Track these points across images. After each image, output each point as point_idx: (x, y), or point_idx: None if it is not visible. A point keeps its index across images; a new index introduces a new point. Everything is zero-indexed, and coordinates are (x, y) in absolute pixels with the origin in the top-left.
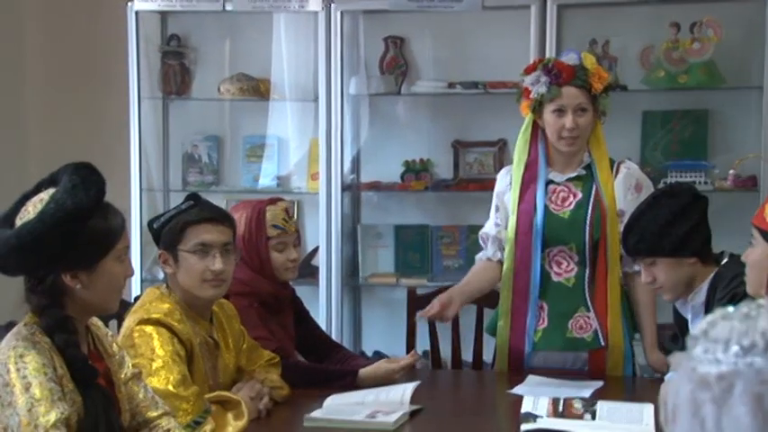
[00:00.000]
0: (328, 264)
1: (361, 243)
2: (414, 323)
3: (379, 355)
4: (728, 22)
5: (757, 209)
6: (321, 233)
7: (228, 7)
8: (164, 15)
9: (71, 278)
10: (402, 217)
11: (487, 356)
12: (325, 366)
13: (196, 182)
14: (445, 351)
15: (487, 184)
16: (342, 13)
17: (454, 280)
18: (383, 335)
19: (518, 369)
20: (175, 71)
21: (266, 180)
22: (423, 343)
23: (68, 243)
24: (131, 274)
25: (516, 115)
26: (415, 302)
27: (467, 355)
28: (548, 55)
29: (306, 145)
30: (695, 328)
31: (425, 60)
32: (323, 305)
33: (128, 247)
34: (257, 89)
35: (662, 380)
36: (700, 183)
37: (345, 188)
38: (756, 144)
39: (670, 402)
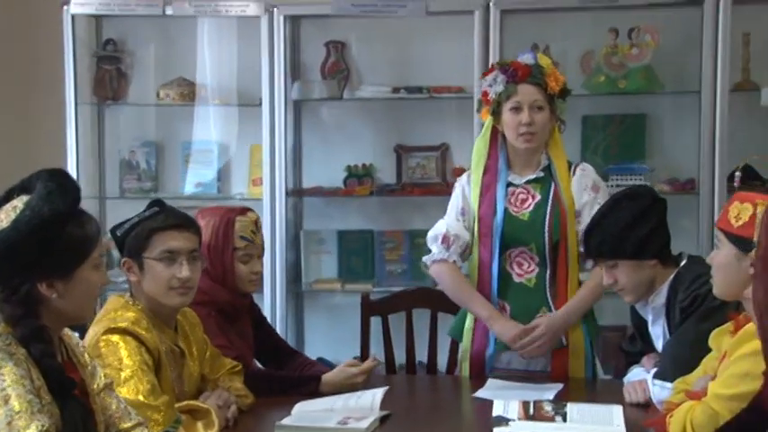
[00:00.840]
0: (272, 270)
1: (303, 249)
2: (368, 328)
3: (323, 362)
4: (665, 29)
5: (721, 212)
6: (265, 239)
7: (169, 11)
8: (98, 19)
9: (47, 287)
10: (344, 222)
11: (441, 360)
12: (287, 373)
13: (133, 188)
14: (398, 356)
15: (430, 189)
16: (284, 17)
17: (399, 285)
18: (326, 341)
19: (481, 370)
20: (111, 76)
21: (206, 186)
22: (375, 348)
23: (44, 251)
24: (106, 282)
25: (459, 120)
26: (369, 308)
27: (421, 358)
28: (491, 60)
29: (246, 150)
30: (655, 329)
31: (367, 65)
32: (267, 312)
33: (103, 255)
34: (197, 94)
35: (621, 382)
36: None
37: (289, 194)
38: (693, 148)
39: None
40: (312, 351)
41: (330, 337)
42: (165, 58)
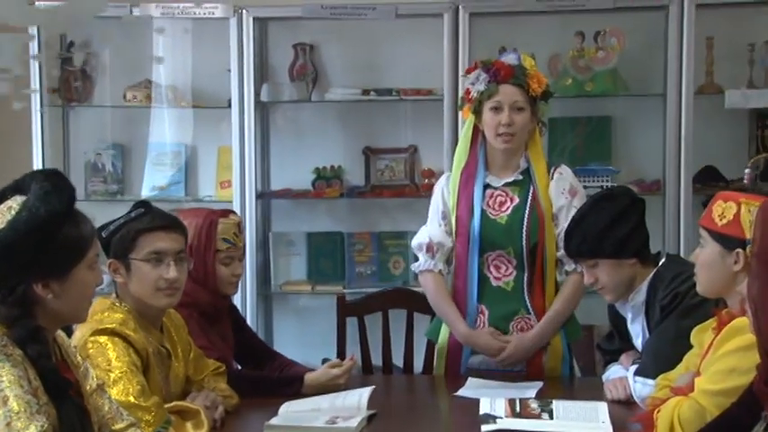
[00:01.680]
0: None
1: (272, 251)
2: (344, 329)
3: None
4: (631, 32)
5: (704, 211)
6: None
7: (136, 12)
8: None
9: (42, 288)
10: (312, 224)
11: (417, 361)
12: (270, 374)
13: (99, 191)
14: (374, 357)
15: (399, 191)
16: (254, 19)
17: (368, 286)
18: (296, 344)
19: (455, 370)
20: (76, 77)
21: (174, 189)
22: (349, 349)
23: (41, 251)
24: (101, 282)
25: (428, 122)
26: (345, 309)
27: (396, 359)
28: (460, 62)
29: (213, 152)
30: (635, 327)
31: (336, 67)
32: None
33: (98, 255)
34: (164, 96)
35: (600, 380)
36: (605, 187)
37: (257, 196)
38: (658, 149)
39: None
40: (282, 353)
41: (300, 340)
42: (131, 60)
